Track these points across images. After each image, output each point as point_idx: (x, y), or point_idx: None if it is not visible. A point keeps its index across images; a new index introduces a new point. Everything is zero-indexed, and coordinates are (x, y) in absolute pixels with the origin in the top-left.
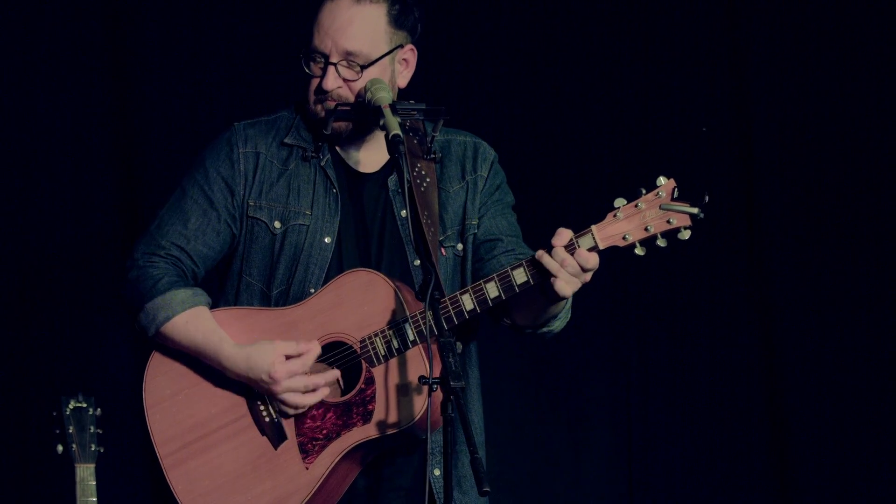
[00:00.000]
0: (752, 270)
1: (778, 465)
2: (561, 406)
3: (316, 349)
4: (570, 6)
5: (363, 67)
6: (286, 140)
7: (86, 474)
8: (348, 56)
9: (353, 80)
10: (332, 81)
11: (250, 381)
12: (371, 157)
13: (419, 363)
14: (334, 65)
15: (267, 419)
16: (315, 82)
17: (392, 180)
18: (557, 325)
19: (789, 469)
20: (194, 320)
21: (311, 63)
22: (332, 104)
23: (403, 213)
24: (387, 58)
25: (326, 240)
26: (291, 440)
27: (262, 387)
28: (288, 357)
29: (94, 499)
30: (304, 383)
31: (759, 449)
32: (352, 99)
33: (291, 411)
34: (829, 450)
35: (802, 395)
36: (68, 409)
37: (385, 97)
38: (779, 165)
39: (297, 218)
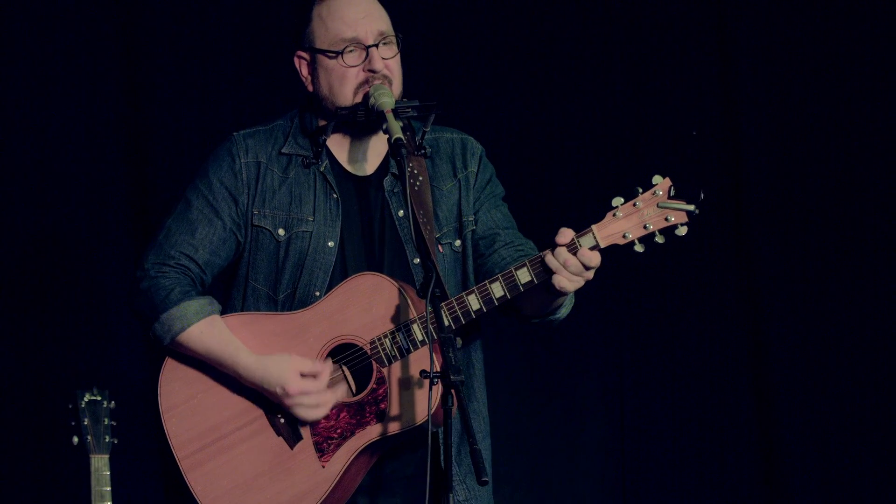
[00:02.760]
0: (741, 268)
1: (765, 452)
2: (557, 398)
3: (328, 369)
4: (565, 8)
5: (398, 41)
6: (284, 150)
7: (100, 464)
8: (383, 37)
9: (391, 57)
10: (379, 61)
11: (264, 391)
12: (366, 159)
13: (426, 361)
14: (375, 46)
15: (282, 420)
16: (351, 73)
17: (387, 181)
18: (563, 312)
19: (775, 457)
20: (209, 329)
21: (347, 55)
22: (377, 82)
23: (401, 213)
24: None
25: (330, 244)
26: (307, 440)
27: (275, 398)
28: (303, 374)
29: (108, 487)
30: (314, 401)
31: (748, 438)
32: (391, 79)
33: (301, 421)
34: (814, 441)
35: (788, 387)
36: (83, 402)
37: (388, 102)
38: (766, 165)
39: (300, 225)
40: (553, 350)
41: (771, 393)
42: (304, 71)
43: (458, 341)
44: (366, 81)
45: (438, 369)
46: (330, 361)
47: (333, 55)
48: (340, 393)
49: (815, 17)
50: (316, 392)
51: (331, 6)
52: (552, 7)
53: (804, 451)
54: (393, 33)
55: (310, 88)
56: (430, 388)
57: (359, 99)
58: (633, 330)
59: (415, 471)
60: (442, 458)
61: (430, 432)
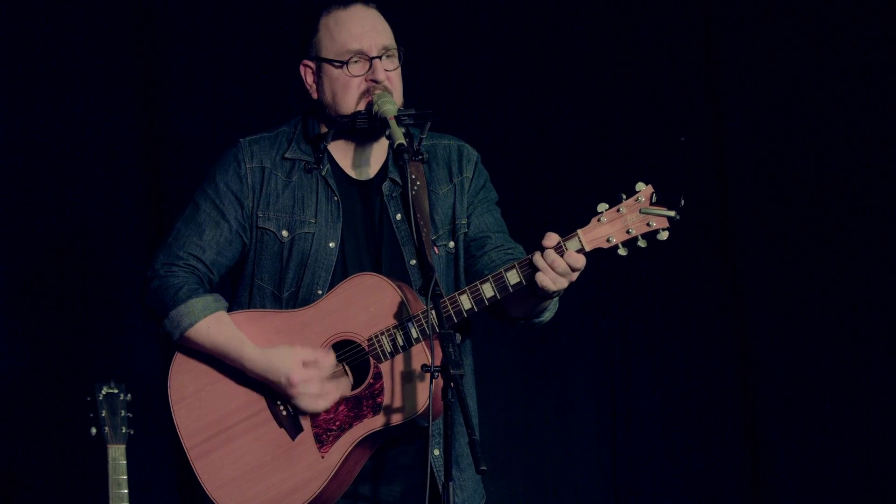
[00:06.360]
0: (727, 269)
1: (750, 445)
2: (550, 394)
3: (330, 358)
4: (554, 18)
5: (400, 56)
6: (287, 155)
7: (117, 454)
8: (387, 50)
9: (392, 70)
10: (382, 72)
11: (269, 383)
12: (367, 164)
13: (422, 357)
14: (379, 58)
15: (284, 413)
16: (355, 82)
17: (386, 186)
18: (546, 316)
19: (759, 452)
20: (216, 325)
21: (352, 65)
22: (378, 91)
23: (398, 216)
24: None
25: (331, 245)
26: (307, 432)
27: (279, 389)
28: (305, 363)
29: (125, 477)
30: (318, 390)
31: (733, 433)
32: (392, 90)
33: (304, 411)
34: (797, 436)
35: (773, 385)
36: (101, 395)
37: (391, 109)
38: (751, 171)
39: (303, 227)
40: (547, 347)
41: (756, 390)
42: (310, 79)
43: (458, 337)
44: (367, 91)
45: (438, 364)
46: (331, 351)
47: (339, 65)
48: (343, 386)
49: (799, 25)
50: (318, 380)
51: (338, 18)
52: (541, 17)
53: (787, 447)
54: (395, 47)
55: (314, 96)
56: (431, 382)
57: (361, 107)
58: (624, 329)
59: (413, 460)
60: (441, 448)
61: (430, 424)
